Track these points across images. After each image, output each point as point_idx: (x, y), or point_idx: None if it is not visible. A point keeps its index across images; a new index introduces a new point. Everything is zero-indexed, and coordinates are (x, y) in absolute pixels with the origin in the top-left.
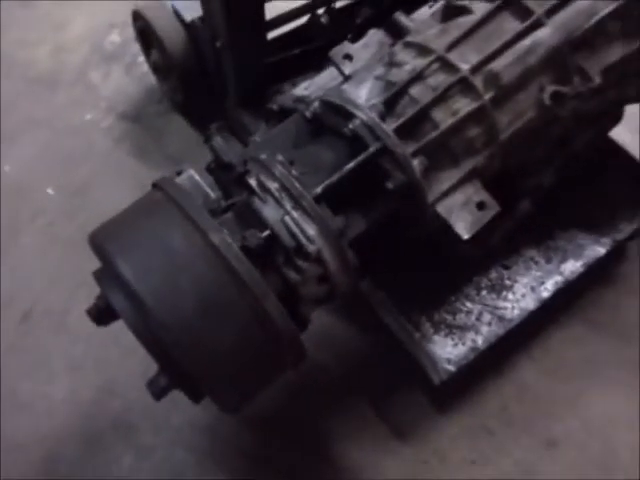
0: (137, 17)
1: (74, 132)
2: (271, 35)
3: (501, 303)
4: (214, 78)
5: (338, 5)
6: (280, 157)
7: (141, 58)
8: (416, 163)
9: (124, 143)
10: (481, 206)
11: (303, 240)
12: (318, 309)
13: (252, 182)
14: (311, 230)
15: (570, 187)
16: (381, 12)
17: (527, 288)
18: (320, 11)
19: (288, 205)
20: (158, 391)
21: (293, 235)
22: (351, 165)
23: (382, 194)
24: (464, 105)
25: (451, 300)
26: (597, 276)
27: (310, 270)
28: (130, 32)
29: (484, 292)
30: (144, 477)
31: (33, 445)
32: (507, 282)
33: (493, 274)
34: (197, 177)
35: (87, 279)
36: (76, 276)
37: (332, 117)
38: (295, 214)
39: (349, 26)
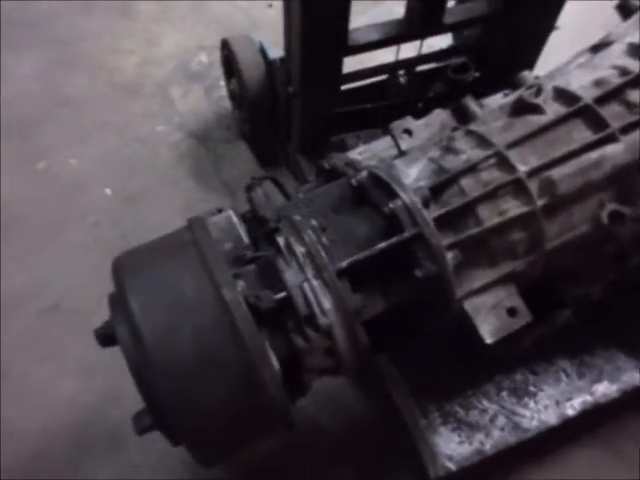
0: (225, 45)
1: (143, 141)
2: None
3: (520, 410)
4: (282, 119)
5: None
6: (313, 222)
7: (222, 82)
8: (450, 257)
9: (186, 161)
10: (512, 312)
11: (317, 311)
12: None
13: (280, 241)
14: (327, 303)
15: (620, 301)
16: (454, 91)
17: (551, 400)
18: (400, 72)
19: (310, 272)
20: (141, 428)
21: (308, 304)
22: (382, 246)
23: (408, 279)
24: (513, 207)
25: (467, 394)
26: (631, 402)
27: (318, 341)
28: (217, 56)
29: (504, 393)
30: None
31: (28, 436)
32: (531, 389)
33: (518, 377)
34: (235, 219)
35: None
36: (109, 281)
37: (376, 191)
38: (315, 283)
39: (424, 93)
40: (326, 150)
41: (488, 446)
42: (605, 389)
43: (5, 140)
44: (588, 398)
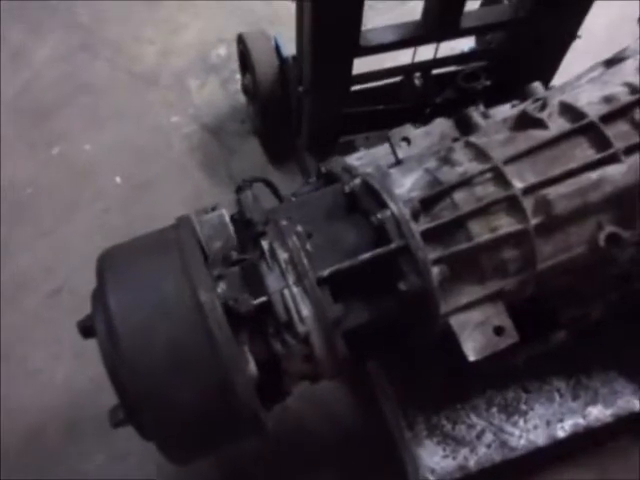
0: (240, 40)
1: (157, 130)
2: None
3: (509, 427)
4: (293, 116)
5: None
6: (299, 228)
7: (238, 76)
8: (436, 271)
9: (198, 152)
10: (499, 331)
11: (295, 318)
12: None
13: (265, 246)
14: (306, 311)
15: (620, 322)
16: (463, 98)
17: (542, 420)
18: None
19: (291, 279)
20: (115, 422)
21: (287, 310)
22: (366, 256)
23: (393, 292)
24: (506, 224)
25: (456, 407)
26: (626, 428)
27: (296, 348)
28: (235, 48)
29: (494, 409)
30: None
31: (25, 413)
32: (522, 407)
33: (510, 394)
34: (226, 219)
35: None
36: None
37: (367, 199)
38: (295, 290)
39: (436, 98)
40: (334, 150)
41: (472, 462)
42: (599, 413)
43: (21, 124)
44: (580, 421)
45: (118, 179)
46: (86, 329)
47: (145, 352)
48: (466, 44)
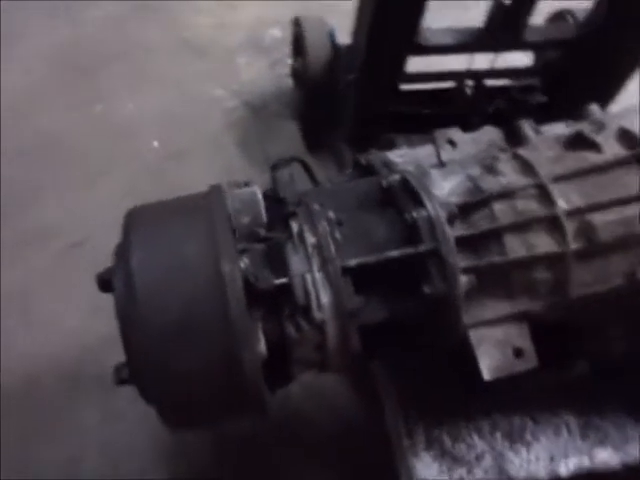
0: (296, 23)
1: (199, 101)
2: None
3: (510, 455)
4: (338, 105)
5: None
6: (331, 214)
7: (288, 60)
8: (464, 280)
9: (235, 129)
10: (518, 353)
11: (314, 303)
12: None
13: (294, 227)
14: (325, 298)
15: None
16: (515, 111)
17: (545, 453)
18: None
19: (315, 264)
20: (119, 379)
21: (307, 295)
22: (394, 253)
23: (415, 294)
24: (543, 244)
25: (459, 424)
26: (633, 478)
27: (309, 334)
28: (289, 32)
29: (498, 434)
30: (102, 441)
31: (26, 361)
32: (527, 436)
33: (517, 420)
34: (259, 195)
35: None
36: None
37: (404, 197)
38: (317, 275)
39: (486, 108)
40: (374, 146)
41: None
42: (607, 457)
43: (66, 78)
44: (585, 461)
45: (156, 143)
46: (104, 282)
47: (159, 313)
48: (523, 61)
